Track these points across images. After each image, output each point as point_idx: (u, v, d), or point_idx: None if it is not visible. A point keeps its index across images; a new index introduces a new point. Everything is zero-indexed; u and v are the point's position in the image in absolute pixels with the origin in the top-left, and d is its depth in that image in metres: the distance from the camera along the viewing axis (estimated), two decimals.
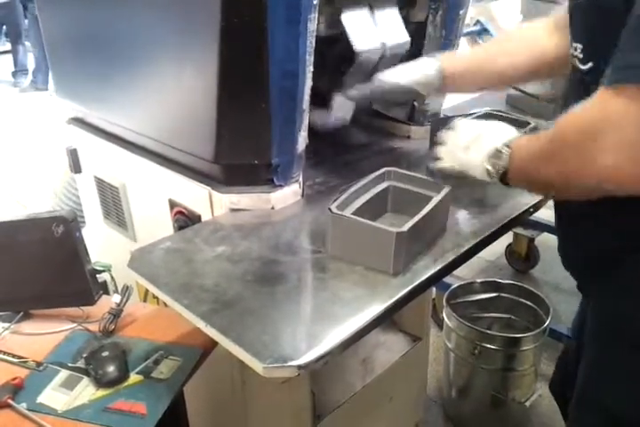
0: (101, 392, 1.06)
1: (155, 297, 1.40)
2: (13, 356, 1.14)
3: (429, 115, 1.54)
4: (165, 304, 0.97)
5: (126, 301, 1.21)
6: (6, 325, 1.21)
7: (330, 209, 1.00)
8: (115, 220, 1.55)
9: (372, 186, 1.12)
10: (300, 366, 0.80)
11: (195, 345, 1.14)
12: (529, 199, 1.22)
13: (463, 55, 1.31)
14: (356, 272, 0.99)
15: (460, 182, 1.09)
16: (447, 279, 2.02)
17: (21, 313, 1.24)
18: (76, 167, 1.61)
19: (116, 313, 1.20)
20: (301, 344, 0.85)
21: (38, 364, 1.12)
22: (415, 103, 1.52)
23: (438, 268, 1.00)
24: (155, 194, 1.34)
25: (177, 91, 1.21)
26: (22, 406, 1.02)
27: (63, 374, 1.10)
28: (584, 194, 0.88)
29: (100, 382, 1.07)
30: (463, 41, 1.57)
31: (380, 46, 1.32)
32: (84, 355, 1.12)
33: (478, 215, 1.17)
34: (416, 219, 0.98)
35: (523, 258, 2.78)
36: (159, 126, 1.31)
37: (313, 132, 1.21)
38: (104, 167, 1.53)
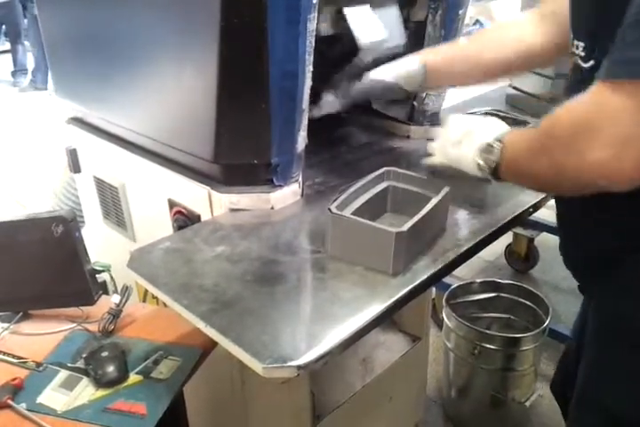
0: (101, 392, 1.06)
1: (154, 297, 1.40)
2: (13, 356, 1.14)
3: (429, 114, 1.54)
4: (165, 304, 0.97)
5: (126, 301, 1.21)
6: (6, 325, 1.21)
7: (329, 209, 1.00)
8: (114, 220, 1.55)
9: (372, 186, 1.12)
10: (299, 367, 0.80)
11: (194, 345, 1.14)
12: (529, 199, 1.22)
13: (447, 49, 1.31)
14: (356, 272, 0.99)
15: (454, 174, 1.09)
16: (447, 279, 2.02)
17: (21, 313, 1.24)
18: (75, 167, 1.61)
19: (115, 313, 1.20)
20: (301, 344, 0.85)
21: (38, 364, 1.12)
22: (415, 103, 1.52)
23: (438, 268, 1.00)
24: (154, 194, 1.34)
25: (177, 91, 1.21)
26: (22, 407, 1.02)
27: (63, 374, 1.10)
28: (576, 189, 0.88)
29: (99, 383, 1.07)
30: (463, 40, 1.57)
31: (382, 40, 1.32)
32: (84, 355, 1.12)
33: (478, 215, 1.17)
34: (416, 219, 0.98)
35: (522, 258, 2.78)
36: (159, 126, 1.31)
37: (313, 132, 1.21)
38: (103, 167, 1.53)
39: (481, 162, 0.99)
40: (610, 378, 0.99)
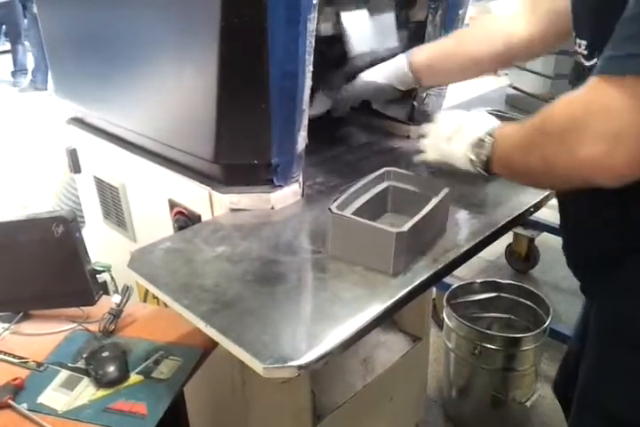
0: (102, 392, 1.06)
1: (155, 297, 1.40)
2: (14, 356, 1.14)
3: (429, 114, 1.54)
4: (165, 304, 0.97)
5: (126, 301, 1.21)
6: (6, 325, 1.21)
7: (330, 209, 1.00)
8: (114, 220, 1.55)
9: (372, 186, 1.12)
10: (300, 367, 0.80)
11: (195, 345, 1.14)
12: (529, 199, 1.22)
13: (436, 45, 1.32)
14: (356, 272, 0.99)
15: (448, 169, 1.10)
16: (447, 279, 2.02)
17: (21, 313, 1.24)
18: (75, 167, 1.61)
19: (116, 313, 1.20)
20: (301, 344, 0.85)
21: (39, 364, 1.12)
22: (415, 103, 1.52)
23: (438, 268, 1.00)
24: (154, 194, 1.34)
25: (177, 91, 1.21)
26: (23, 407, 1.02)
27: (63, 374, 1.10)
28: (567, 185, 0.88)
29: (100, 383, 1.07)
30: None
31: (374, 49, 1.35)
32: (85, 355, 1.12)
33: (478, 215, 1.17)
34: (416, 219, 0.98)
35: (523, 258, 2.78)
36: (159, 126, 1.31)
37: (313, 132, 1.21)
38: (104, 167, 1.53)
39: (473, 157, 0.99)
40: (610, 379, 0.99)
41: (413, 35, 1.47)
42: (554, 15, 1.14)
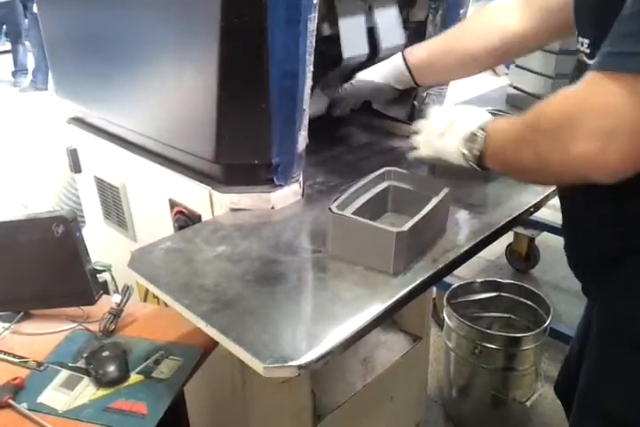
0: (102, 392, 1.06)
1: (155, 297, 1.40)
2: (14, 356, 1.14)
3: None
4: (166, 304, 0.97)
5: (126, 301, 1.21)
6: (7, 325, 1.22)
7: (330, 209, 1.00)
8: (115, 220, 1.55)
9: (373, 186, 1.12)
10: (300, 366, 0.80)
11: (195, 345, 1.14)
12: (529, 199, 1.22)
13: (432, 43, 1.31)
14: (357, 272, 0.99)
15: (441, 164, 1.09)
16: (447, 279, 2.02)
17: (22, 313, 1.24)
18: (76, 167, 1.61)
19: (116, 313, 1.20)
20: (302, 344, 0.85)
21: (39, 364, 1.12)
22: (415, 102, 1.52)
23: (438, 268, 1.00)
24: (155, 194, 1.34)
25: (177, 91, 1.21)
26: (23, 406, 1.02)
27: (64, 374, 1.10)
28: (561, 181, 0.88)
29: (100, 382, 1.07)
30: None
31: (366, 52, 1.35)
32: (85, 355, 1.12)
33: (478, 215, 1.17)
34: (416, 219, 0.98)
35: (523, 258, 2.78)
36: (159, 126, 1.31)
37: (313, 132, 1.21)
38: (104, 167, 1.53)
39: (465, 151, 0.99)
40: (610, 379, 0.99)
41: (414, 34, 1.47)
42: (546, 12, 1.14)
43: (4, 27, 6.54)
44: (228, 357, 0.89)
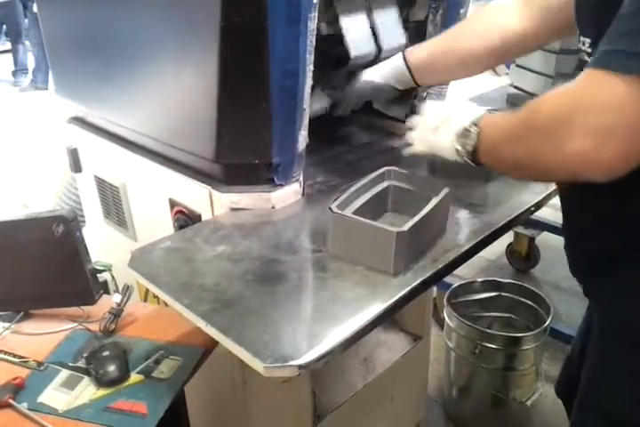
0: (102, 392, 1.06)
1: (155, 297, 1.40)
2: (14, 356, 1.14)
3: None
4: (166, 304, 0.97)
5: (127, 300, 1.21)
6: (7, 324, 1.21)
7: (330, 208, 1.00)
8: (115, 219, 1.55)
9: (373, 185, 1.12)
10: (300, 366, 0.80)
11: (195, 345, 1.14)
12: (530, 198, 1.21)
13: (433, 43, 1.31)
14: (357, 272, 0.99)
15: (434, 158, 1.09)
16: (448, 279, 2.02)
17: (22, 313, 1.24)
18: (76, 167, 1.61)
19: (116, 313, 1.20)
20: (302, 344, 0.85)
21: (39, 364, 1.12)
22: (415, 102, 1.52)
23: (439, 267, 1.00)
24: (155, 193, 1.34)
25: (177, 90, 1.21)
26: (23, 406, 1.02)
27: (64, 373, 1.10)
28: (554, 179, 0.88)
29: (100, 382, 1.07)
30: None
31: (373, 50, 1.35)
32: (85, 355, 1.12)
33: (478, 215, 1.17)
34: (416, 218, 0.98)
35: (523, 257, 2.78)
36: (159, 126, 1.31)
37: (314, 131, 1.21)
38: (104, 167, 1.53)
39: (459, 147, 0.99)
40: (611, 378, 0.99)
41: (414, 34, 1.47)
42: (546, 12, 1.14)
43: (4, 26, 6.54)
44: (229, 356, 0.89)
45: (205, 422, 1.42)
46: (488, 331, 1.84)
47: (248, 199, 1.18)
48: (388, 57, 1.36)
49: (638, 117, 0.73)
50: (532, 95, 1.84)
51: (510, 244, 2.80)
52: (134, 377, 1.09)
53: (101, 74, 1.40)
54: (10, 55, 6.41)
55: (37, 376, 1.09)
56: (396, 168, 1.15)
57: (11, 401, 1.02)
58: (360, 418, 1.51)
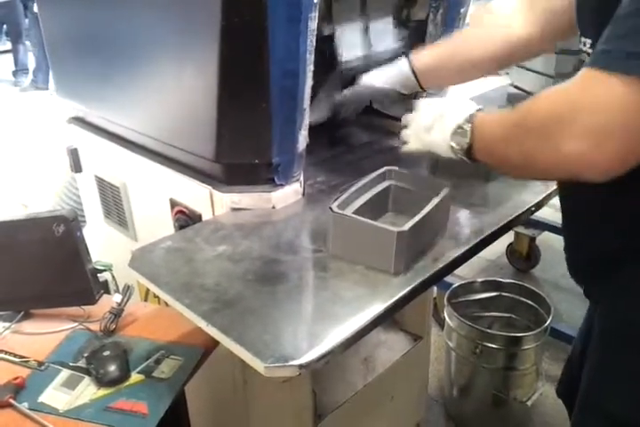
0: (102, 392, 1.06)
1: (156, 296, 1.40)
2: (15, 355, 1.14)
3: None
4: (166, 304, 0.97)
5: (127, 300, 1.21)
6: (7, 324, 1.21)
7: (331, 208, 1.00)
8: (115, 219, 1.55)
9: (373, 185, 1.12)
10: (301, 366, 0.80)
11: (196, 345, 1.14)
12: (530, 198, 1.21)
13: (437, 48, 1.31)
14: (357, 271, 0.99)
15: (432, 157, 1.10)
16: (448, 278, 2.02)
17: (22, 313, 1.24)
18: (76, 167, 1.61)
19: (116, 313, 1.20)
20: (302, 344, 0.85)
21: (40, 363, 1.12)
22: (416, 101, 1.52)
23: (439, 267, 1.00)
24: (155, 193, 1.34)
25: (177, 90, 1.21)
26: (24, 406, 1.02)
27: (64, 373, 1.10)
28: (550, 178, 0.88)
29: (101, 382, 1.07)
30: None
31: (364, 54, 1.36)
32: (86, 354, 1.12)
33: (479, 215, 1.17)
34: (417, 218, 0.98)
35: (524, 257, 2.78)
36: (160, 126, 1.31)
37: (314, 131, 1.21)
38: (105, 167, 1.53)
39: (453, 144, 1.00)
40: (612, 379, 0.99)
41: (414, 34, 1.47)
42: (550, 14, 1.14)
43: (5, 26, 6.54)
44: (229, 356, 0.89)
45: (206, 422, 1.42)
46: (488, 331, 1.84)
47: (248, 199, 1.18)
48: (378, 61, 1.36)
49: (635, 118, 0.73)
50: (532, 95, 1.84)
51: (511, 244, 2.80)
52: (135, 377, 1.09)
53: (102, 74, 1.40)
54: (10, 55, 6.41)
55: (38, 376, 1.09)
56: (397, 168, 1.15)
57: (11, 401, 1.02)
58: (360, 418, 1.51)
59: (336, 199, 1.03)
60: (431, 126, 1.05)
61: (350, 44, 1.34)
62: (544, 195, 1.22)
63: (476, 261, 2.75)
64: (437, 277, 1.01)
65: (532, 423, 2.00)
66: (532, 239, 2.71)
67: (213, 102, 1.10)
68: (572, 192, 1.00)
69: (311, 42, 1.07)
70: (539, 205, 1.22)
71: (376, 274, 0.98)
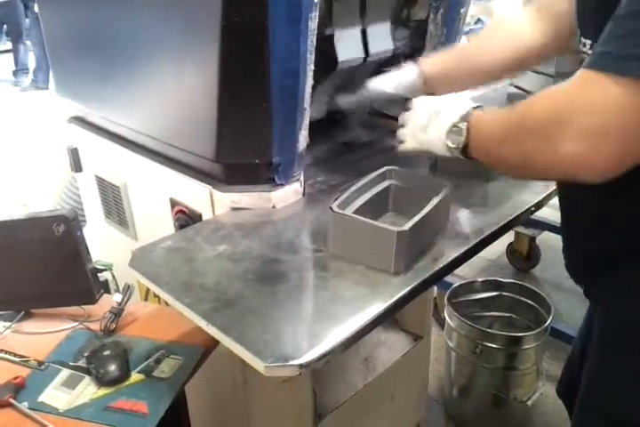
0: (103, 391, 1.06)
1: (156, 296, 1.40)
2: (15, 355, 1.14)
3: None
4: (166, 303, 0.97)
5: (127, 300, 1.21)
6: (7, 324, 1.22)
7: (331, 208, 1.00)
8: (116, 219, 1.55)
9: (373, 185, 1.12)
10: (301, 365, 0.80)
11: (196, 344, 1.14)
12: (531, 198, 1.21)
13: (446, 55, 1.31)
14: (357, 271, 0.99)
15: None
16: (448, 278, 2.02)
17: (22, 312, 1.24)
18: (76, 166, 1.61)
19: (117, 312, 1.20)
20: (303, 343, 0.84)
21: (40, 363, 1.12)
22: None
23: (439, 267, 1.00)
24: (156, 193, 1.34)
25: (178, 90, 1.21)
26: (24, 406, 1.02)
27: (64, 373, 1.10)
28: (547, 179, 0.88)
29: (101, 381, 1.07)
30: (464, 40, 1.57)
31: (361, 55, 1.36)
32: (86, 354, 1.12)
33: (479, 214, 1.17)
34: (417, 218, 0.98)
35: (524, 257, 2.78)
36: (160, 125, 1.31)
37: (314, 131, 1.21)
38: (105, 166, 1.53)
39: (449, 143, 0.99)
40: (612, 379, 0.99)
41: (415, 33, 1.47)
42: (559, 24, 1.13)
43: (5, 26, 6.55)
44: (229, 356, 0.89)
45: (206, 422, 1.42)
46: (489, 330, 1.84)
47: (249, 199, 1.18)
48: (376, 61, 1.35)
49: (632, 119, 0.73)
50: (532, 94, 1.84)
51: (511, 243, 2.80)
52: (135, 376, 1.09)
53: (102, 73, 1.40)
54: (10, 55, 6.41)
55: (38, 376, 1.09)
56: (397, 168, 1.15)
57: (11, 400, 1.02)
58: (360, 418, 1.51)
59: (336, 199, 1.03)
60: (427, 125, 1.04)
61: (350, 43, 1.33)
62: (544, 195, 1.22)
63: (477, 261, 2.75)
64: (437, 277, 1.01)
65: (532, 423, 2.00)
66: (533, 239, 2.71)
67: (214, 102, 1.10)
68: (570, 193, 1.00)
69: (311, 41, 1.07)
70: (539, 205, 1.22)
71: (376, 274, 0.98)
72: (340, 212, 0.99)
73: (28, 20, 6.15)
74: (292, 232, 1.13)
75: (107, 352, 1.11)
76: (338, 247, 1.02)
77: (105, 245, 1.60)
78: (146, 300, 1.48)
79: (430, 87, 1.27)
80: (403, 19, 1.46)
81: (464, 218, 1.17)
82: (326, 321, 0.89)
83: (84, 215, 1.70)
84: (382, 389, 1.55)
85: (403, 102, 1.33)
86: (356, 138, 1.55)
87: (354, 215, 1.00)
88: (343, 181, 1.22)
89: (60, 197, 1.98)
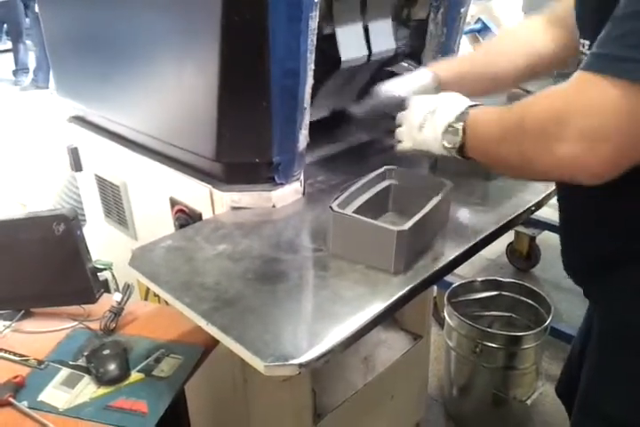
0: (102, 390, 1.06)
1: (156, 295, 1.40)
2: (15, 354, 1.14)
3: None
4: (166, 303, 0.97)
5: (127, 299, 1.21)
6: (7, 323, 1.22)
7: (331, 207, 1.00)
8: (116, 218, 1.55)
9: (374, 184, 1.12)
10: (301, 365, 0.80)
11: (196, 343, 1.14)
12: (531, 197, 1.21)
13: (458, 61, 1.30)
14: (357, 271, 0.99)
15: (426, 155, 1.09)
16: (448, 278, 2.02)
17: (22, 311, 1.24)
18: (76, 166, 1.61)
19: (117, 311, 1.20)
20: (302, 343, 0.85)
21: (39, 362, 1.12)
22: None
23: (439, 266, 1.00)
24: (156, 192, 1.34)
25: (178, 89, 1.21)
26: (23, 405, 1.02)
27: (64, 372, 1.10)
28: (545, 179, 0.88)
29: (101, 381, 1.07)
30: (464, 39, 1.57)
31: (363, 56, 1.35)
32: (85, 353, 1.12)
33: (479, 214, 1.17)
34: (417, 217, 0.98)
35: (524, 256, 2.78)
36: (160, 125, 1.31)
37: (314, 130, 1.21)
38: (105, 166, 1.53)
39: (445, 143, 0.99)
40: (610, 381, 0.98)
41: (415, 33, 1.47)
42: (570, 28, 1.13)
43: (5, 26, 6.55)
44: (229, 355, 0.89)
45: (206, 421, 1.42)
46: (488, 330, 1.84)
47: (249, 198, 1.18)
48: (377, 61, 1.35)
49: (629, 121, 0.73)
50: (532, 94, 1.84)
51: (511, 243, 2.80)
52: (135, 376, 1.09)
53: (102, 73, 1.40)
54: (11, 54, 6.42)
55: (38, 375, 1.09)
56: (397, 167, 1.15)
57: (11, 400, 1.02)
58: (360, 417, 1.51)
59: (336, 198, 1.03)
60: (422, 125, 1.04)
61: (353, 42, 1.33)
62: (544, 194, 1.22)
63: (477, 261, 2.75)
64: (437, 277, 1.01)
65: (531, 423, 2.00)
66: (533, 239, 2.71)
67: (214, 101, 1.10)
68: (568, 194, 1.00)
69: (312, 41, 1.07)
70: (539, 205, 1.22)
71: (376, 273, 0.98)
72: (340, 211, 0.99)
73: (28, 20, 6.16)
74: (292, 231, 1.13)
75: (106, 351, 1.11)
76: (338, 247, 1.02)
77: (105, 245, 1.60)
78: (146, 299, 1.48)
79: (444, 91, 1.26)
80: (403, 18, 1.46)
81: (464, 217, 1.17)
82: (326, 320, 0.89)
83: (83, 215, 1.70)
84: (382, 388, 1.55)
85: None
86: (356, 138, 1.55)
87: (354, 215, 1.00)
88: (343, 180, 1.22)
89: (59, 196, 1.98)
